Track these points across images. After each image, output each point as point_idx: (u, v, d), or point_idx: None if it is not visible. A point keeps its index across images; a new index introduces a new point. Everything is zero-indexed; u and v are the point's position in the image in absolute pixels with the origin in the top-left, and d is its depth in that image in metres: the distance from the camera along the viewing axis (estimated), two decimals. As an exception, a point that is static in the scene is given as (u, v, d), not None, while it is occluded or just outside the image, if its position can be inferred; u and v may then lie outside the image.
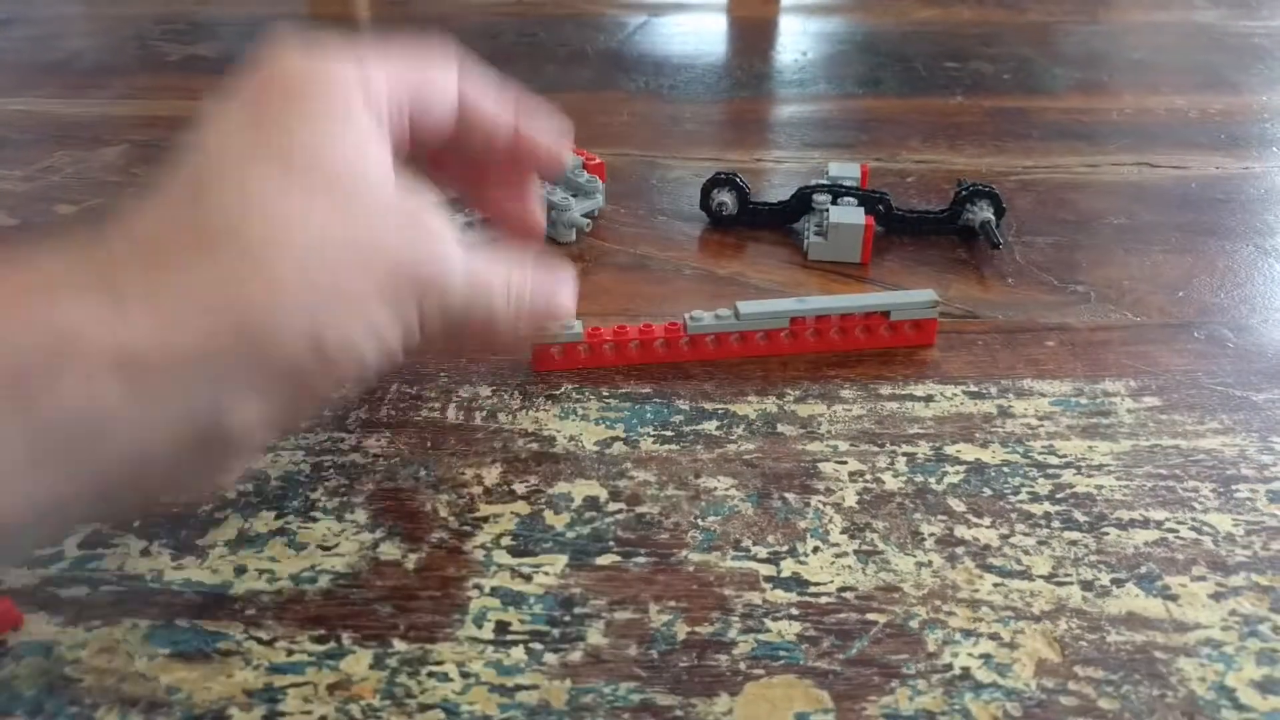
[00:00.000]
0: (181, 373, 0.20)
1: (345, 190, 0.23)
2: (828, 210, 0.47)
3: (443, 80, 0.27)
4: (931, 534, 0.30)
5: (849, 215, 0.46)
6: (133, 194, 0.22)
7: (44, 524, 0.20)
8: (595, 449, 0.34)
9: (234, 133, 0.24)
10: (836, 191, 0.49)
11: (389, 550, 0.29)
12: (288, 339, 0.22)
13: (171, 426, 0.21)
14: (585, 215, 0.48)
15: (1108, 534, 0.30)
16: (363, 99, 0.25)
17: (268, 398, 0.23)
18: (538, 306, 0.28)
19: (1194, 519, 0.30)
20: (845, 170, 0.52)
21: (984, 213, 0.47)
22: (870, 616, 0.27)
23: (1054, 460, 0.33)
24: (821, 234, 0.47)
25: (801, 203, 0.49)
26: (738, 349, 0.39)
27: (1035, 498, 0.31)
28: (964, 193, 0.48)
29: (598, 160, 0.51)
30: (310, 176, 0.23)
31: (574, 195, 0.48)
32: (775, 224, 0.50)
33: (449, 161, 0.30)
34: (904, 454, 0.33)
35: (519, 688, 0.25)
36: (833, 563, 0.29)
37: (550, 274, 0.29)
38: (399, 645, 0.26)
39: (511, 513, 0.31)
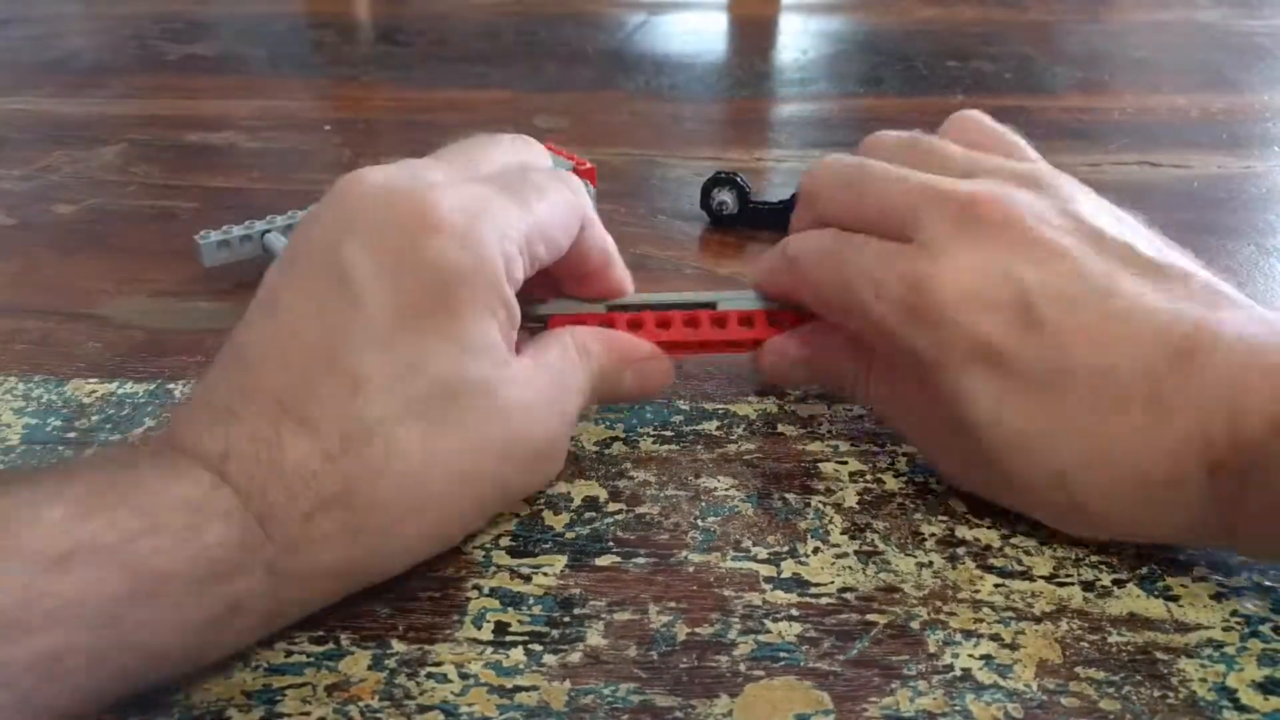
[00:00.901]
0: (292, 614, 0.25)
1: (481, 444, 0.26)
2: (828, 209, 0.47)
3: (567, 231, 0.31)
4: (932, 534, 0.30)
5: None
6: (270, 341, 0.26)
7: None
8: (595, 449, 0.34)
9: (388, 354, 0.25)
10: (837, 191, 0.49)
11: (388, 551, 0.29)
12: (380, 576, 0.27)
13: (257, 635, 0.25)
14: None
15: (1109, 534, 0.30)
16: (505, 312, 0.27)
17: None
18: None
19: (1196, 519, 0.30)
20: (846, 169, 0.52)
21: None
22: (871, 617, 0.27)
23: (1055, 460, 0.33)
24: (822, 233, 0.47)
25: (802, 202, 0.49)
26: (749, 333, 0.39)
27: (1036, 498, 0.31)
28: (965, 192, 0.48)
29: (588, 165, 0.50)
30: (448, 433, 0.26)
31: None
32: (776, 224, 0.50)
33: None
34: (905, 454, 0.33)
35: (518, 689, 0.25)
36: (833, 563, 0.29)
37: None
38: (398, 646, 0.26)
39: (510, 513, 0.31)
